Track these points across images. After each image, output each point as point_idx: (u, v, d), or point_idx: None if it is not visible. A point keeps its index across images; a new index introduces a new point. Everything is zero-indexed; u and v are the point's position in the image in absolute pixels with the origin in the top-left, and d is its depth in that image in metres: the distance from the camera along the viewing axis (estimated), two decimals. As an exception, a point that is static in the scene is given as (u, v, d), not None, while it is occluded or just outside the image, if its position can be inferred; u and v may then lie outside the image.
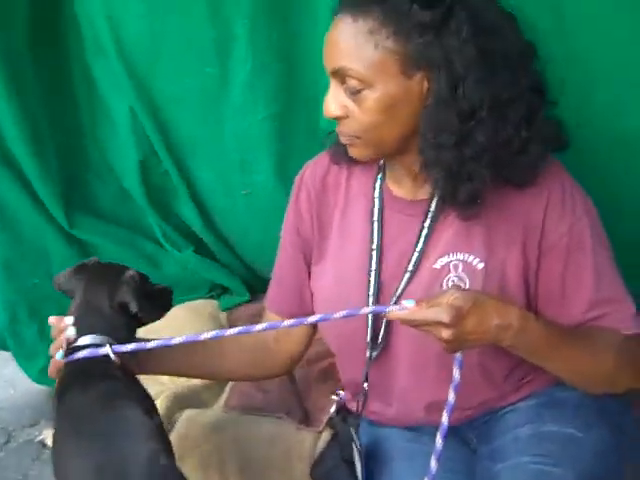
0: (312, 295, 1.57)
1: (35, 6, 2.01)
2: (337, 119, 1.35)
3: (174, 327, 2.21)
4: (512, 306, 1.27)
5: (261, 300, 2.22)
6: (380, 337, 1.47)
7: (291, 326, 1.32)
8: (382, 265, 1.46)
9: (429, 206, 1.42)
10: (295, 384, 1.96)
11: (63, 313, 1.51)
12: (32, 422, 2.43)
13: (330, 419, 1.68)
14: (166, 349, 1.55)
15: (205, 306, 2.32)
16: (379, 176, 1.49)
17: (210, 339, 1.34)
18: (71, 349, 1.41)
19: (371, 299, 1.46)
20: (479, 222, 1.39)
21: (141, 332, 2.20)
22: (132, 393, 1.41)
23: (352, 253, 1.50)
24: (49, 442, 2.17)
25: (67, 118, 2.21)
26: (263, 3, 1.83)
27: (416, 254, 1.43)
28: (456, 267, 1.40)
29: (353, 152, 1.40)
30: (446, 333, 1.20)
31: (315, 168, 1.57)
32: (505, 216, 1.39)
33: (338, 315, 1.27)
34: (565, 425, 1.42)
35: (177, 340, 1.34)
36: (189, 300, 2.36)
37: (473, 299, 1.21)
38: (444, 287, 1.39)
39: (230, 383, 1.98)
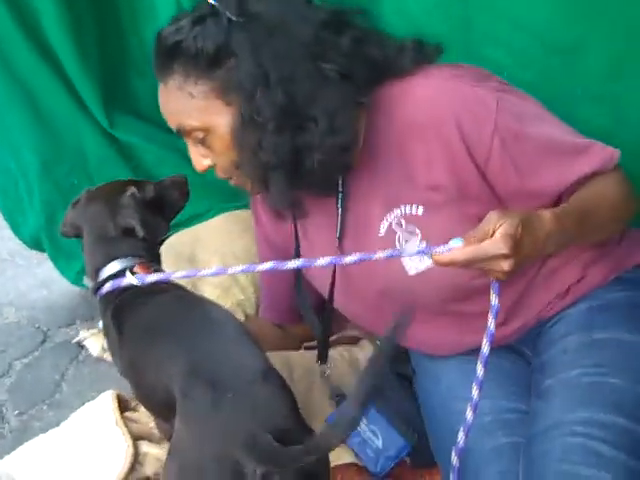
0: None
1: None
2: (211, 169, 1.39)
3: (222, 240, 2.16)
4: (542, 213, 1.19)
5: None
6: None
7: (326, 265, 1.23)
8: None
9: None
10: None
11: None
12: (68, 322, 2.41)
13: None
14: None
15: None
16: None
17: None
18: (99, 283, 1.38)
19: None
20: (390, 175, 1.36)
21: (186, 243, 2.16)
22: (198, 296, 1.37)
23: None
24: (86, 344, 2.15)
25: (106, 9, 2.10)
26: None
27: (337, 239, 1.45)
28: (399, 224, 1.38)
29: (245, 189, 1.42)
30: (507, 264, 1.12)
31: None
32: (411, 159, 1.34)
33: (379, 255, 1.19)
34: (617, 330, 1.36)
35: (204, 272, 1.27)
36: (233, 207, 2.29)
37: (520, 220, 1.13)
38: (399, 247, 1.37)
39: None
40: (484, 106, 1.29)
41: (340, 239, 1.46)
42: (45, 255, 2.53)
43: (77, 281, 2.44)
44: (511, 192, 1.33)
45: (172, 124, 1.36)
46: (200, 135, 1.32)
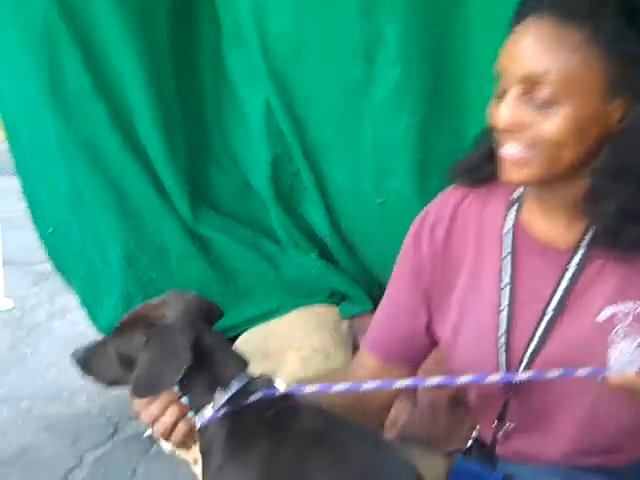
0: (428, 345, 1.53)
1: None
2: (508, 130, 1.26)
3: (297, 334, 2.23)
4: None
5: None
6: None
7: (441, 384, 1.25)
8: (513, 318, 1.39)
9: (574, 253, 1.34)
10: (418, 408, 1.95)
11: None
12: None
13: (466, 451, 1.67)
14: None
15: (327, 313, 2.31)
16: (512, 209, 1.42)
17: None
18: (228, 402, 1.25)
19: (502, 349, 1.39)
20: None
21: (259, 338, 2.23)
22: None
23: (479, 303, 1.42)
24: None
25: (194, 109, 2.25)
26: (418, 2, 1.81)
27: (550, 313, 1.35)
28: (626, 316, 1.30)
29: (514, 172, 1.29)
30: None
31: (440, 210, 1.48)
32: None
33: (523, 376, 1.23)
34: None
35: (367, 386, 1.27)
36: (307, 304, 2.37)
37: None
38: (614, 342, 1.29)
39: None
40: None
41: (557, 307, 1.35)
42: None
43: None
44: None
45: (525, 67, 1.22)
46: (548, 98, 1.21)
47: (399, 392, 1.63)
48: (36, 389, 2.72)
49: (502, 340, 1.38)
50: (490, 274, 1.42)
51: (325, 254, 2.34)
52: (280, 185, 2.22)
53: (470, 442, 1.63)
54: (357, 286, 2.36)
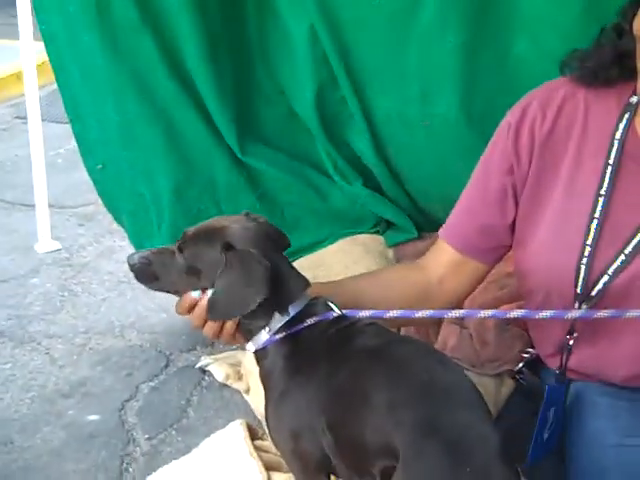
0: (507, 244, 1.49)
1: None
2: None
3: (345, 262, 2.26)
4: None
5: (427, 238, 2.21)
6: (596, 290, 1.36)
7: (493, 317, 1.29)
8: (604, 229, 1.35)
9: None
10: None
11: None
12: (189, 347, 2.54)
13: (517, 372, 1.68)
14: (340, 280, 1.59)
15: (373, 242, 2.33)
16: (626, 115, 1.36)
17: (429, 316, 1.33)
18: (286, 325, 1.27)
19: (585, 260, 1.35)
20: None
21: (307, 268, 2.26)
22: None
23: (577, 204, 1.37)
24: (210, 369, 2.26)
25: (238, 37, 2.23)
26: None
27: None
28: None
29: None
30: None
31: (548, 100, 1.41)
32: None
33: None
34: None
35: (421, 314, 1.30)
36: (353, 233, 2.38)
37: None
38: None
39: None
40: None
41: None
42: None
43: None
44: None
45: None
46: None
47: (475, 284, 1.59)
48: (88, 325, 2.79)
49: (587, 250, 1.36)
50: (589, 178, 1.38)
51: (370, 183, 2.34)
52: (325, 112, 2.21)
53: (522, 363, 1.66)
54: (402, 214, 2.36)
